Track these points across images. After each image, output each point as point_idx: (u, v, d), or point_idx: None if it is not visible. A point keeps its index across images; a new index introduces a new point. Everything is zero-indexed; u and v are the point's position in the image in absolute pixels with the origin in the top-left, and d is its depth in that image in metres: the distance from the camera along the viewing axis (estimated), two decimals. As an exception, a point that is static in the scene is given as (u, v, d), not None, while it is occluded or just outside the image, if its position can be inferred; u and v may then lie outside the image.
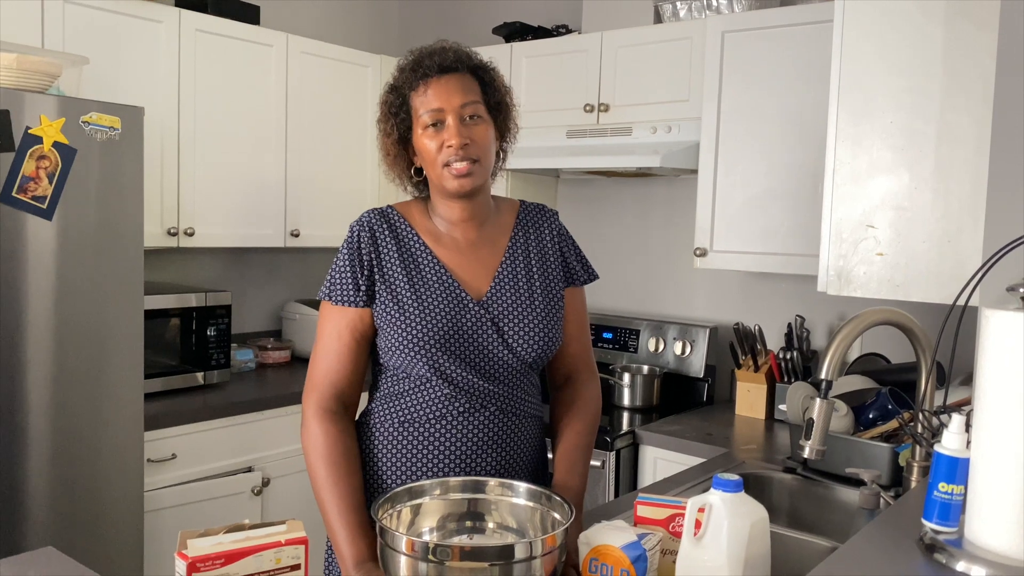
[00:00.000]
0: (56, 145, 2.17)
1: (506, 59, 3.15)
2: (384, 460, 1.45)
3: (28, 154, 2.12)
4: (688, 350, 2.97)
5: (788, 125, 2.53)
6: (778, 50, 2.54)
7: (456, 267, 1.46)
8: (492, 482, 1.34)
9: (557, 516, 1.27)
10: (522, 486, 1.33)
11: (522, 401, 1.47)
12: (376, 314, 1.44)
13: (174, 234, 2.84)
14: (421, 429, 1.43)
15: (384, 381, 1.49)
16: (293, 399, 2.84)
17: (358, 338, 1.44)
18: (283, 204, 3.18)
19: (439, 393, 1.42)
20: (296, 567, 1.18)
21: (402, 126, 1.46)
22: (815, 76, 2.43)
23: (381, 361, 1.48)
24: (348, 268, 1.44)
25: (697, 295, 3.14)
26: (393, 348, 1.42)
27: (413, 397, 1.44)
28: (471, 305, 1.43)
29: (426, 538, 1.29)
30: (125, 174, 2.34)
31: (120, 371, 2.37)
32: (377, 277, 1.44)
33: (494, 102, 1.48)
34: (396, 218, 1.49)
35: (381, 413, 1.47)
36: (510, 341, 1.44)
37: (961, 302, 1.22)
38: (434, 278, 1.44)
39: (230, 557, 1.13)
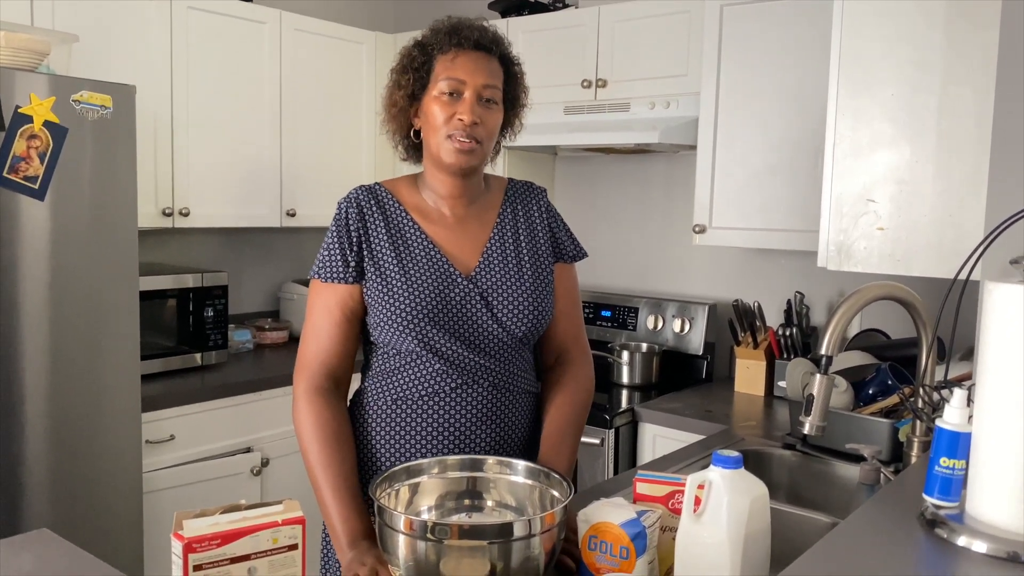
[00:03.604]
0: (47, 124, 2.14)
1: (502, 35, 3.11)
2: (378, 438, 1.44)
3: (18, 134, 2.09)
4: (687, 327, 2.96)
5: (788, 99, 2.51)
6: (778, 23, 2.51)
7: (444, 242, 1.46)
8: (490, 460, 1.34)
9: (556, 494, 1.26)
10: (520, 464, 1.32)
11: (516, 376, 1.46)
12: (365, 290, 1.43)
13: (169, 214, 2.82)
14: (414, 405, 1.42)
15: (376, 359, 1.48)
16: (291, 379, 2.81)
17: (348, 315, 1.44)
18: (278, 183, 3.15)
19: (431, 369, 1.41)
20: (293, 547, 1.17)
21: (417, 84, 1.45)
22: (815, 49, 2.40)
23: (372, 338, 1.47)
24: (337, 245, 1.44)
25: (696, 272, 3.13)
26: (381, 323, 1.41)
27: (405, 374, 1.43)
28: (459, 280, 1.43)
29: (424, 517, 1.28)
30: (118, 153, 2.31)
31: (116, 353, 2.35)
32: (365, 253, 1.43)
33: (512, 95, 1.51)
34: (384, 194, 1.49)
35: (374, 391, 1.46)
36: (499, 315, 1.43)
37: (963, 276, 1.21)
38: (422, 253, 1.44)
39: (227, 537, 1.12)
